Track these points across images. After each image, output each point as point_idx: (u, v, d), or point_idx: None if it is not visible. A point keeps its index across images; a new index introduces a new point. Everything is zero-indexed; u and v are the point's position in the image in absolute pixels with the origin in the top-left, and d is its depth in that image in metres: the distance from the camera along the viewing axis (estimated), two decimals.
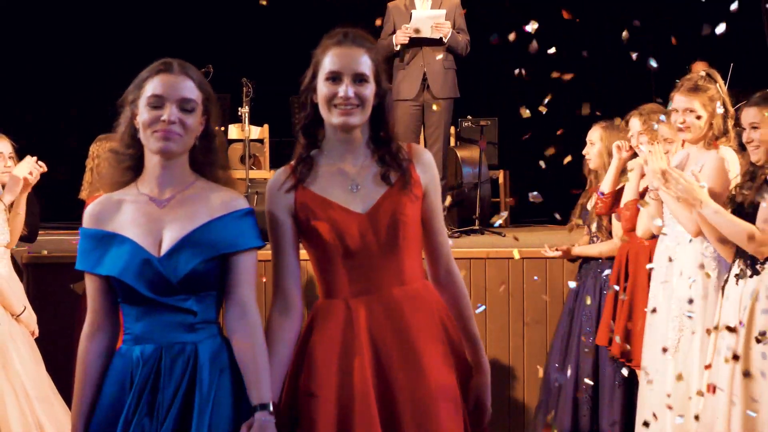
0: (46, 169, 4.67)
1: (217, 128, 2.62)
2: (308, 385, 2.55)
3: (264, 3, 4.77)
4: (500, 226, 6.55)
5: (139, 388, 2.44)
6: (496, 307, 5.55)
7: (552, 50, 3.93)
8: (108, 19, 9.26)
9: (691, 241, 3.95)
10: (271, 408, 2.44)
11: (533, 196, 3.81)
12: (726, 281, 3.76)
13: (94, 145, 5.10)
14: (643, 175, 4.37)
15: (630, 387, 4.55)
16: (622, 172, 4.65)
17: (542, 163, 4.08)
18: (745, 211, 3.65)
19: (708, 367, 3.75)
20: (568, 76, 4.05)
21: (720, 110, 3.92)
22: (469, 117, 8.29)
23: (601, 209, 4.69)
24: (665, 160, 3.94)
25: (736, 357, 3.57)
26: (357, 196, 2.59)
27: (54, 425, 4.45)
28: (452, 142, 8.08)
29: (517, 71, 4.18)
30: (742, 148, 3.81)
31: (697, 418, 3.73)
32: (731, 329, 3.60)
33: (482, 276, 5.60)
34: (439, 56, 6.57)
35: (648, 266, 4.18)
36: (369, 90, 2.58)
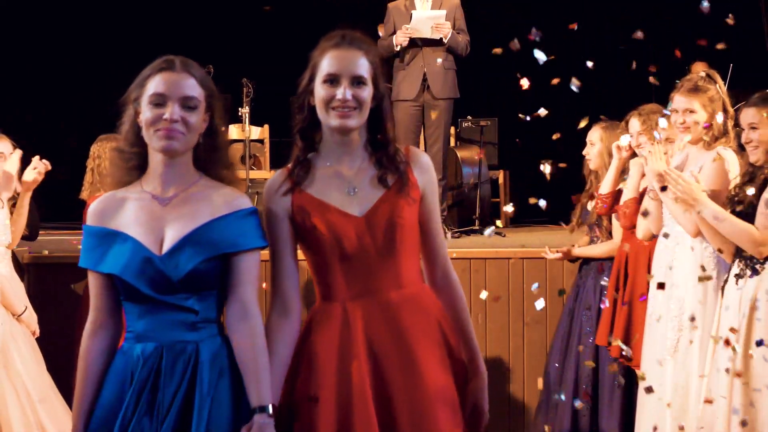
0: (50, 167, 4.68)
1: (221, 125, 2.61)
2: (306, 387, 2.54)
3: (267, 9, 4.79)
4: (496, 232, 6.57)
5: (139, 387, 2.44)
6: (496, 307, 5.55)
7: (548, 57, 3.93)
8: (108, 19, 9.26)
9: (690, 241, 3.96)
10: (271, 410, 2.43)
11: (543, 205, 3.84)
12: (726, 281, 3.77)
13: (95, 145, 5.10)
14: (643, 175, 4.37)
15: (629, 387, 4.55)
16: (622, 172, 4.65)
17: (546, 168, 4.08)
18: (745, 211, 3.65)
19: (703, 377, 3.76)
20: (555, 81, 4.06)
21: (720, 118, 3.92)
22: (469, 117, 8.30)
23: (601, 209, 4.69)
24: (664, 160, 3.95)
25: (737, 374, 3.57)
26: (354, 199, 2.59)
27: (55, 425, 4.46)
28: (452, 143, 8.08)
29: (522, 82, 4.19)
30: (741, 149, 3.81)
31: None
32: (728, 343, 3.61)
33: (482, 276, 5.61)
34: (439, 59, 6.58)
35: (650, 278, 4.16)
36: (367, 92, 2.57)
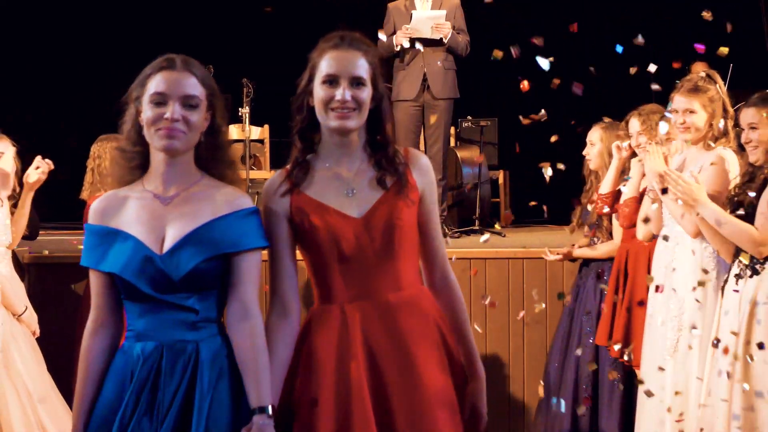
0: (53, 166, 4.68)
1: (223, 123, 2.60)
2: (305, 389, 2.54)
3: (269, 10, 4.79)
4: (496, 233, 6.57)
5: (139, 386, 2.44)
6: (496, 306, 5.55)
7: (545, 61, 3.94)
8: (108, 19, 9.27)
9: (690, 241, 3.96)
10: (270, 411, 2.43)
11: (545, 211, 3.85)
12: (726, 281, 3.77)
13: (96, 145, 5.10)
14: (644, 175, 4.38)
15: (629, 387, 4.55)
16: (622, 172, 4.66)
17: (548, 171, 4.08)
18: (744, 211, 3.66)
19: (701, 379, 3.76)
20: (557, 81, 4.06)
21: (721, 124, 3.93)
22: (469, 117, 8.31)
23: (601, 209, 4.70)
24: (663, 160, 3.95)
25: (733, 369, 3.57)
26: (353, 200, 2.58)
27: (55, 425, 4.46)
28: (452, 143, 8.09)
29: (524, 83, 4.19)
30: (741, 149, 3.81)
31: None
32: (727, 351, 3.60)
33: (482, 276, 5.61)
34: (439, 62, 6.58)
35: (649, 281, 4.16)
36: (366, 93, 2.57)
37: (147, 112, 2.47)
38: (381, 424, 2.50)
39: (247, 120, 7.34)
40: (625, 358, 4.40)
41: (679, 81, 4.05)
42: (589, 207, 4.90)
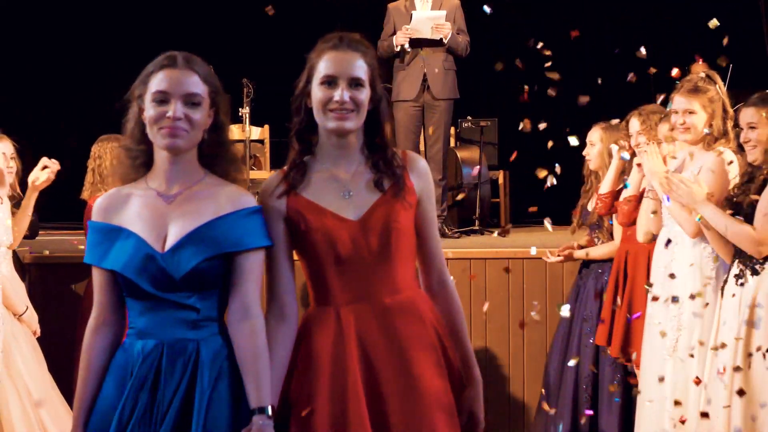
0: (59, 166, 4.69)
1: (226, 121, 2.59)
2: (300, 392, 2.53)
3: (271, 13, 4.79)
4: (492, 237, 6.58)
5: (138, 384, 2.43)
6: (496, 307, 5.55)
7: (546, 62, 3.96)
8: (108, 19, 9.27)
9: (689, 241, 3.96)
10: (270, 411, 2.42)
11: (548, 225, 3.88)
12: (725, 282, 3.77)
13: (96, 145, 5.10)
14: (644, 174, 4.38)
15: (629, 386, 4.55)
16: (622, 172, 4.66)
17: (552, 180, 4.09)
18: (744, 211, 3.66)
19: (698, 382, 3.76)
20: (555, 76, 4.07)
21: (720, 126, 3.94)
22: (469, 117, 8.31)
23: (601, 209, 4.70)
24: (661, 160, 3.95)
25: (737, 368, 3.57)
26: (350, 202, 2.57)
27: (56, 425, 4.46)
28: (452, 143, 8.09)
29: (523, 95, 4.21)
30: (741, 149, 3.82)
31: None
32: (725, 345, 3.60)
33: (482, 276, 5.61)
34: (436, 69, 6.58)
35: (648, 289, 4.16)
36: (364, 95, 2.56)
37: (149, 110, 2.46)
38: (376, 425, 2.49)
39: (247, 120, 7.34)
40: (631, 359, 4.39)
41: (679, 81, 4.05)
42: (590, 207, 4.90)
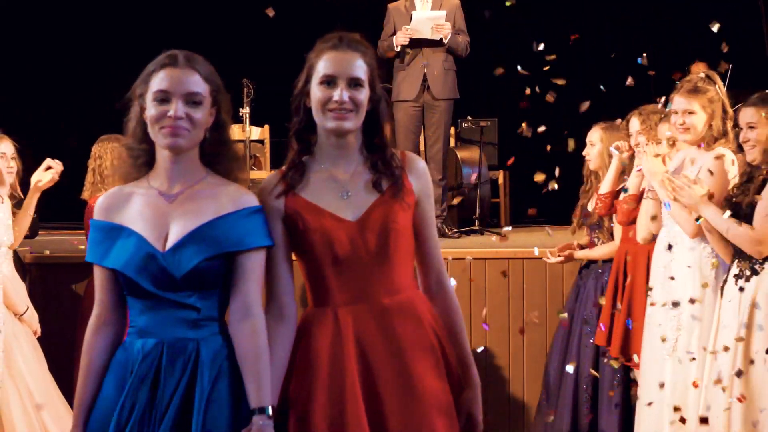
0: (62, 167, 4.70)
1: (228, 119, 2.58)
2: (298, 392, 2.52)
3: (271, 15, 4.80)
4: (496, 233, 6.57)
5: (137, 382, 2.43)
6: (496, 307, 5.56)
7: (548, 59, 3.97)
8: (108, 20, 9.27)
9: (688, 241, 3.96)
10: (271, 412, 2.42)
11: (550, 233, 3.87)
12: (725, 281, 3.78)
13: (97, 146, 5.10)
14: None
15: (629, 387, 4.55)
16: (622, 172, 4.66)
17: (555, 184, 4.10)
18: (743, 212, 3.66)
19: (697, 385, 3.76)
20: (560, 81, 4.08)
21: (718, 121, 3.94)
22: (469, 118, 8.32)
23: (601, 210, 4.70)
24: (661, 161, 3.95)
25: (739, 372, 3.56)
26: (348, 203, 2.56)
27: (57, 424, 4.46)
28: (452, 143, 8.09)
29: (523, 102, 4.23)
30: (741, 150, 3.82)
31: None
32: (727, 348, 3.60)
33: (482, 276, 5.61)
34: (437, 71, 6.58)
35: (648, 292, 4.17)
36: (363, 95, 2.55)
37: (150, 109, 2.46)
38: (374, 426, 2.48)
39: (247, 120, 7.34)
40: (634, 359, 4.38)
41: (679, 82, 4.05)
42: (590, 207, 4.90)
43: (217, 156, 2.55)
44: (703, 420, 3.62)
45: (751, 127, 3.69)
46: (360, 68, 2.55)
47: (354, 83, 2.54)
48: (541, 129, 4.24)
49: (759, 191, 3.63)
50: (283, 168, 2.63)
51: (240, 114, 7.26)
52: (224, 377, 2.45)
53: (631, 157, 4.61)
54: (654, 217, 4.18)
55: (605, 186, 4.68)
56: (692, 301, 3.89)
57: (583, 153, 4.94)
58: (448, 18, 6.64)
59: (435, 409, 2.54)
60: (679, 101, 3.98)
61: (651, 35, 8.98)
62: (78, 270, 5.36)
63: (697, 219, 3.77)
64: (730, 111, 3.97)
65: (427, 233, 2.66)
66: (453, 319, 2.68)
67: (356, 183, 2.58)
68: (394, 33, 6.71)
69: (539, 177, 4.19)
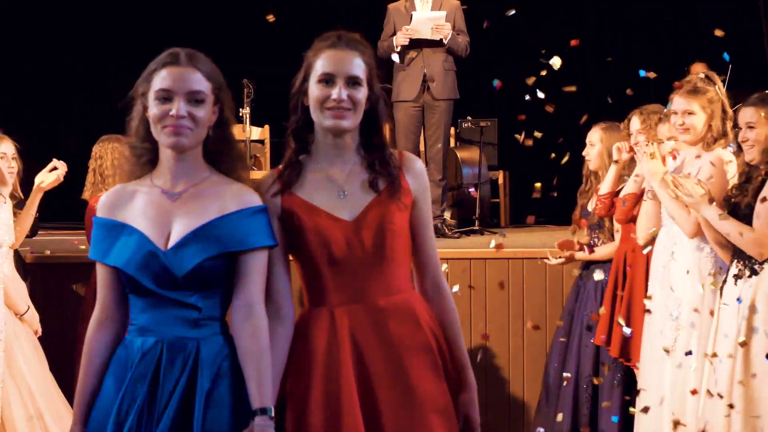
0: (66, 168, 4.71)
1: (231, 117, 2.57)
2: (294, 392, 2.51)
3: (271, 20, 4.81)
4: (496, 233, 6.58)
5: (136, 381, 2.42)
6: (496, 307, 5.56)
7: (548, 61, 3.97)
8: (108, 20, 9.27)
9: (688, 242, 3.97)
10: (272, 412, 2.41)
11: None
12: (724, 281, 3.78)
13: (97, 146, 5.10)
14: None
15: (629, 387, 4.56)
16: (622, 173, 4.66)
17: (558, 187, 4.11)
18: (742, 212, 3.66)
19: (694, 392, 3.76)
20: (571, 89, 4.09)
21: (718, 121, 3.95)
22: (469, 118, 8.32)
23: (601, 211, 4.70)
24: (661, 161, 3.96)
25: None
26: (344, 203, 2.55)
27: (57, 424, 4.47)
28: (452, 143, 8.10)
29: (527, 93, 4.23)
30: (740, 150, 3.82)
31: None
32: (732, 356, 3.59)
33: (482, 276, 5.62)
34: (435, 79, 6.58)
35: (647, 299, 4.17)
36: (362, 93, 2.54)
37: (153, 108, 2.45)
38: (370, 426, 2.47)
39: (247, 120, 7.35)
40: (631, 359, 4.39)
41: (679, 82, 4.06)
42: (590, 207, 4.90)
43: (221, 154, 2.54)
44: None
45: (750, 127, 3.69)
46: (358, 67, 2.54)
47: (352, 82, 2.53)
48: (539, 135, 4.25)
49: (757, 191, 3.63)
50: (280, 167, 2.62)
51: (240, 114, 7.27)
52: (225, 377, 2.44)
53: (632, 158, 4.62)
54: (654, 231, 4.18)
55: (605, 187, 4.68)
56: (692, 307, 3.89)
57: (583, 153, 4.94)
58: (448, 18, 6.65)
59: (431, 410, 2.52)
60: (678, 101, 3.98)
61: (651, 36, 8.99)
62: (79, 270, 5.37)
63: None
64: (730, 111, 3.98)
65: (423, 234, 2.64)
66: (449, 321, 2.66)
67: (353, 182, 2.57)
68: (394, 33, 6.71)
69: (537, 193, 4.21)
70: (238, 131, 7.45)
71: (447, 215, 6.90)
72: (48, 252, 5.69)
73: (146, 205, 2.48)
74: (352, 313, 2.54)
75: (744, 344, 3.57)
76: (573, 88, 4.19)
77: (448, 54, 6.71)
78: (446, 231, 6.69)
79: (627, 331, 4.28)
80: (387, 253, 2.55)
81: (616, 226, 4.75)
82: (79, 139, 7.22)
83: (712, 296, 3.86)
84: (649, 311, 4.09)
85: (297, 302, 2.62)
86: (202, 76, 2.47)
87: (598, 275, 4.70)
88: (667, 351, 3.97)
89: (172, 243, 2.45)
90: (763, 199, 3.58)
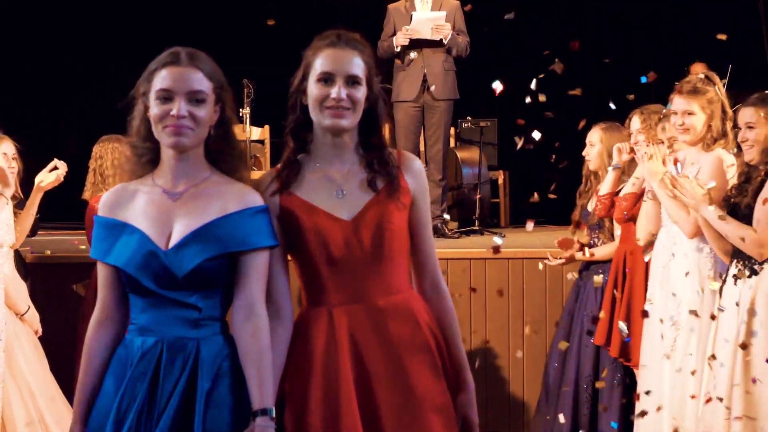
0: (66, 168, 4.71)
1: (232, 116, 2.57)
2: (292, 395, 2.51)
3: (271, 24, 4.82)
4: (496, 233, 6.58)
5: (136, 378, 2.42)
6: (496, 308, 5.56)
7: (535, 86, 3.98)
8: (108, 20, 9.27)
9: (687, 243, 3.97)
10: (273, 413, 2.41)
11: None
12: (724, 281, 3.78)
13: (98, 146, 5.11)
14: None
15: (629, 387, 4.56)
16: (622, 173, 4.66)
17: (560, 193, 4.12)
18: (742, 212, 3.67)
19: (695, 397, 3.76)
20: (574, 91, 4.09)
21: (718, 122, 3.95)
22: (468, 118, 8.33)
23: (600, 211, 4.69)
24: (661, 161, 3.96)
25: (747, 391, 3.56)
26: (343, 202, 2.54)
27: (58, 423, 4.47)
28: (452, 143, 8.10)
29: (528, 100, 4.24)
30: (740, 150, 3.83)
31: None
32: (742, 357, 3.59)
33: (482, 276, 5.62)
34: (434, 86, 6.59)
35: (647, 257, 4.18)
36: (361, 93, 2.53)
37: (153, 108, 2.45)
38: (369, 427, 2.46)
39: (247, 120, 7.36)
40: (631, 359, 4.39)
41: (678, 83, 4.06)
42: (590, 207, 4.91)
43: (222, 153, 2.53)
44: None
45: (750, 127, 3.69)
46: (358, 66, 2.53)
47: (352, 81, 2.52)
48: (538, 136, 4.25)
49: (757, 192, 3.63)
50: (279, 166, 2.62)
51: (240, 114, 7.27)
52: (225, 377, 2.44)
53: (632, 159, 4.62)
54: (654, 236, 4.18)
55: (605, 187, 4.68)
56: (692, 311, 3.89)
57: (583, 153, 4.94)
58: (448, 18, 6.66)
59: (431, 409, 2.52)
60: (678, 102, 3.99)
61: (651, 36, 8.99)
62: (79, 270, 5.37)
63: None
64: (730, 112, 3.98)
65: (422, 233, 2.63)
66: (448, 321, 2.65)
67: (351, 182, 2.56)
68: (394, 33, 6.72)
69: (535, 198, 4.22)
70: (238, 131, 7.44)
71: (447, 217, 6.90)
72: (48, 252, 5.69)
73: (147, 205, 2.48)
74: (351, 313, 2.53)
75: (744, 347, 3.57)
76: (578, 92, 4.19)
77: (448, 54, 6.72)
78: (446, 231, 6.69)
79: (625, 330, 4.28)
80: (386, 252, 2.54)
81: (616, 226, 4.75)
82: (79, 139, 7.22)
83: (711, 299, 3.86)
84: (647, 314, 4.09)
85: (296, 302, 2.61)
86: (203, 76, 2.47)
87: (597, 280, 4.70)
88: (667, 357, 3.97)
89: (172, 243, 2.44)
90: (764, 200, 3.58)
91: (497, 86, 4.40)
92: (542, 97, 4.16)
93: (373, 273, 2.54)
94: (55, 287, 5.47)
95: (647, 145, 4.23)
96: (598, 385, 4.62)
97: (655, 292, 4.13)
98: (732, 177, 3.87)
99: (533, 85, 4.04)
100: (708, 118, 3.96)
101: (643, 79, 4.29)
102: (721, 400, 3.58)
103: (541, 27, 8.68)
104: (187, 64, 2.46)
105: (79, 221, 5.22)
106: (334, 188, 2.56)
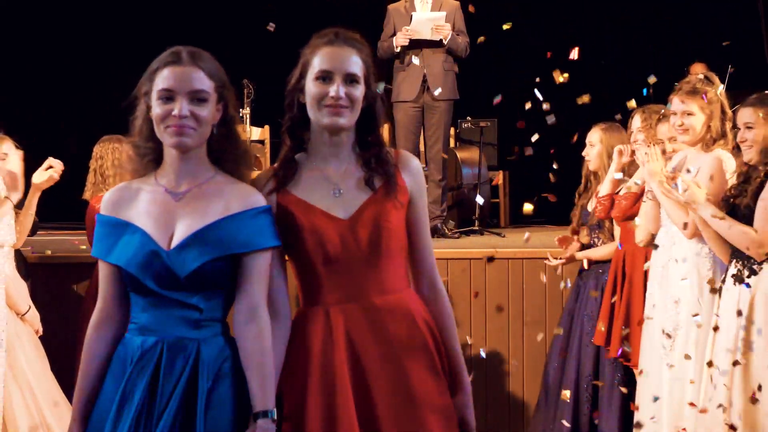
0: (62, 167, 4.71)
1: (235, 115, 2.56)
2: (289, 395, 2.50)
3: (271, 29, 4.82)
4: (496, 233, 6.57)
5: (134, 378, 2.41)
6: (496, 307, 5.56)
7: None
8: (108, 20, 9.27)
9: (687, 243, 3.97)
10: (275, 415, 2.40)
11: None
12: (723, 281, 3.78)
13: (98, 146, 5.11)
14: None
15: (629, 387, 4.56)
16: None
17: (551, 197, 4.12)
18: (741, 213, 3.67)
19: (697, 407, 3.75)
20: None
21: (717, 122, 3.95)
22: (468, 118, 8.33)
23: (600, 212, 4.69)
24: (662, 162, 3.96)
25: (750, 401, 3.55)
26: (340, 201, 2.53)
27: (59, 423, 4.47)
28: (452, 143, 8.10)
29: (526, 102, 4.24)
30: (739, 151, 3.83)
31: None
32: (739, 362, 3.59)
33: (482, 276, 5.62)
34: (437, 91, 6.58)
35: (645, 265, 4.18)
36: (359, 91, 2.52)
37: (155, 108, 2.44)
38: (366, 426, 2.45)
39: (247, 121, 7.36)
40: (626, 349, 4.40)
41: (678, 83, 4.06)
42: (589, 208, 4.91)
43: (225, 152, 2.53)
44: None
45: (749, 128, 3.69)
46: (356, 64, 2.53)
47: (350, 79, 2.51)
48: (535, 137, 4.26)
49: (756, 192, 3.63)
50: (276, 165, 2.61)
51: (240, 114, 7.28)
52: (226, 378, 2.43)
53: (631, 156, 4.62)
54: (654, 239, 4.18)
55: (605, 188, 4.68)
56: (691, 314, 3.89)
57: (583, 153, 4.94)
58: (448, 19, 6.66)
59: (429, 409, 2.51)
60: (677, 102, 3.99)
61: (651, 36, 8.99)
62: (79, 270, 5.37)
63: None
64: (729, 112, 3.98)
65: (420, 233, 2.62)
66: (445, 322, 2.64)
67: (348, 181, 2.55)
68: (394, 34, 6.72)
69: (529, 210, 4.23)
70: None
71: (447, 219, 6.91)
72: (49, 252, 5.70)
73: (150, 204, 2.47)
74: (348, 312, 2.52)
75: (736, 364, 3.56)
76: (587, 99, 4.19)
77: (448, 54, 6.72)
78: (446, 231, 6.69)
79: (627, 348, 4.30)
80: (383, 251, 2.53)
81: (616, 226, 4.75)
82: (79, 139, 7.23)
83: (711, 302, 3.85)
84: (642, 322, 4.09)
85: (293, 301, 2.61)
86: (205, 75, 2.46)
87: (594, 295, 4.72)
88: (670, 366, 3.96)
89: (175, 243, 2.44)
90: (763, 200, 3.58)
91: (497, 99, 4.42)
92: (546, 105, 4.17)
93: (370, 272, 2.53)
94: (55, 287, 5.48)
95: (647, 146, 4.23)
96: (596, 382, 4.63)
97: (655, 292, 4.13)
98: (731, 177, 3.87)
99: (538, 93, 4.05)
100: (707, 118, 3.96)
101: (645, 92, 4.30)
102: (721, 407, 3.58)
103: (541, 27, 8.69)
104: (189, 64, 2.45)
105: (79, 221, 5.22)
106: (331, 187, 2.55)
